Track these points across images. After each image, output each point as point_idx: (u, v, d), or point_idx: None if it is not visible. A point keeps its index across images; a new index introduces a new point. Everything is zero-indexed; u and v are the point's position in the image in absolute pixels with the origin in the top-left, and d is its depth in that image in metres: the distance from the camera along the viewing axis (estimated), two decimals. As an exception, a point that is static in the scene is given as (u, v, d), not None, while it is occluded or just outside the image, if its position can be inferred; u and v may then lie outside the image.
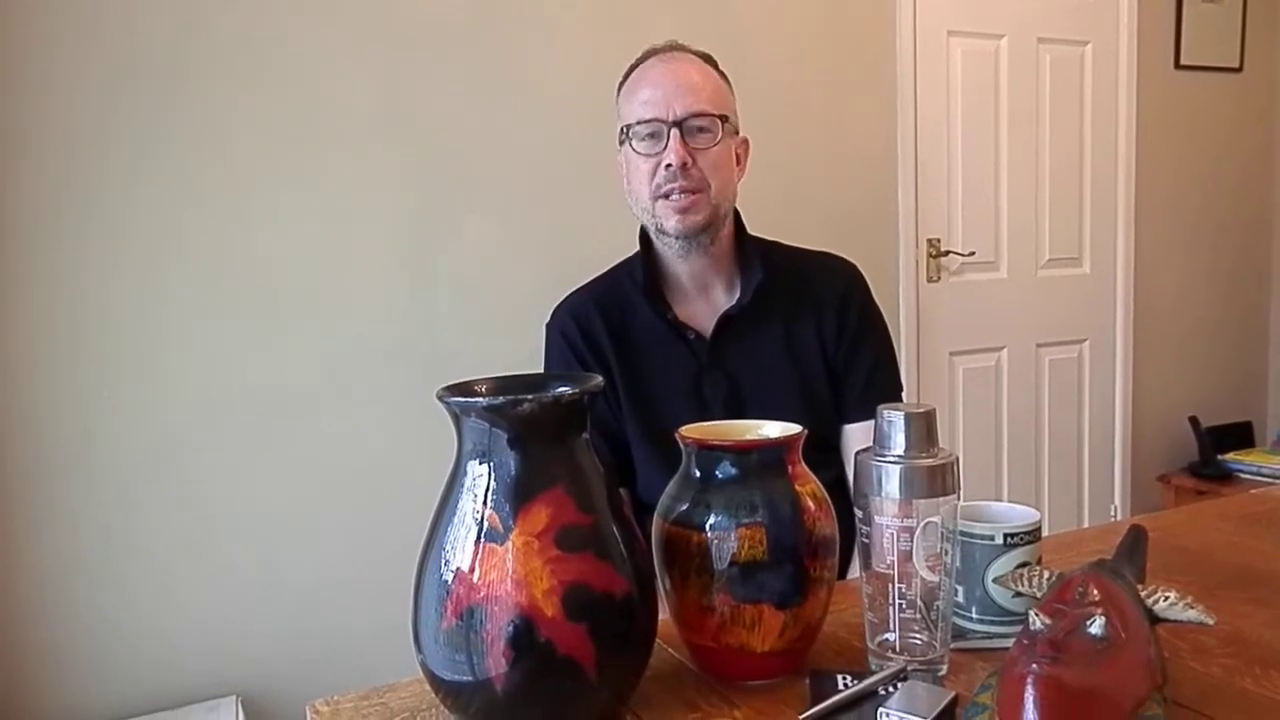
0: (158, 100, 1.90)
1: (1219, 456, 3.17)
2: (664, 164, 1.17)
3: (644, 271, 1.25)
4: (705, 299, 1.28)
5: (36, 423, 1.85)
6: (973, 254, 2.88)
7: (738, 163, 1.25)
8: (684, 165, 1.16)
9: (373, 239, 2.11)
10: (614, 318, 1.27)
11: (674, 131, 1.16)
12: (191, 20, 1.92)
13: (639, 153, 1.19)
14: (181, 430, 1.95)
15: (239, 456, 2.00)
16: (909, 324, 2.78)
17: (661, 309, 1.25)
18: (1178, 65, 3.19)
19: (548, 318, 1.32)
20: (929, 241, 2.82)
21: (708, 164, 1.18)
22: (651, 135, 1.18)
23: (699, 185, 1.18)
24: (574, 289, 1.33)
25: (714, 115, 1.18)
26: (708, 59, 1.25)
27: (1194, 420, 3.21)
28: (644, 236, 1.28)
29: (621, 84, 1.25)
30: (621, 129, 1.22)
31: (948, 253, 2.86)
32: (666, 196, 1.18)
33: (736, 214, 1.28)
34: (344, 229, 2.08)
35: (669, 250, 1.23)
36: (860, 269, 1.34)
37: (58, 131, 1.83)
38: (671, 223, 1.19)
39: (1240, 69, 3.32)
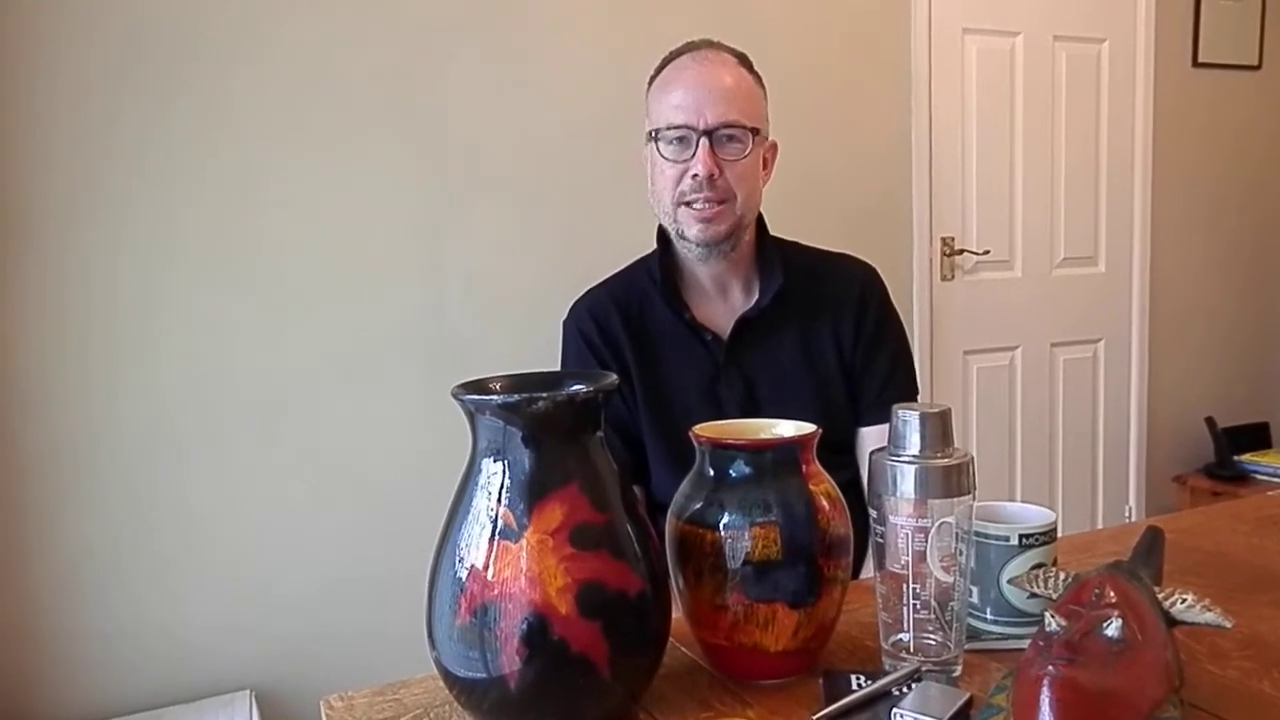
0: (162, 91, 1.90)
1: (1235, 457, 3.14)
2: (691, 173, 1.15)
3: (662, 271, 1.25)
4: (723, 300, 1.27)
5: (48, 419, 1.86)
6: (987, 253, 2.87)
7: (765, 167, 1.24)
8: (711, 176, 1.15)
9: (384, 232, 2.11)
10: (632, 316, 1.27)
11: (704, 141, 1.14)
12: (197, 8, 1.92)
13: (666, 157, 1.17)
14: (193, 426, 1.96)
15: (251, 453, 2.01)
16: (923, 323, 2.77)
17: (679, 309, 1.25)
18: (1195, 63, 3.16)
19: (565, 314, 1.32)
20: (943, 240, 2.81)
21: (735, 175, 1.16)
22: (680, 140, 1.16)
23: (725, 196, 1.16)
24: (591, 286, 1.33)
25: (746, 126, 1.16)
26: (744, 60, 1.22)
27: (1210, 421, 3.18)
28: (662, 235, 1.27)
29: (653, 78, 1.23)
30: (650, 131, 1.20)
31: (962, 251, 2.84)
32: (690, 204, 1.17)
33: (759, 215, 1.28)
34: (354, 222, 2.08)
35: (689, 254, 1.22)
36: (878, 271, 1.33)
37: (63, 121, 1.84)
38: (693, 231, 1.18)
39: (1259, 67, 3.29)
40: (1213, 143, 3.24)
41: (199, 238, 1.96)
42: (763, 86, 1.23)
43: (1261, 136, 3.34)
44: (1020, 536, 0.82)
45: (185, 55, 1.92)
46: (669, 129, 1.17)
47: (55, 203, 1.85)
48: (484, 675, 0.65)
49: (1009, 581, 0.81)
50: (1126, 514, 3.18)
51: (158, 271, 1.93)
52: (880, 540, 0.75)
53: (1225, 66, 3.21)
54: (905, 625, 0.75)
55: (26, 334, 1.84)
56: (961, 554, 0.74)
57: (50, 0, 1.82)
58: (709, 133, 1.15)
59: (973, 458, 0.75)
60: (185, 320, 1.95)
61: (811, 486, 0.75)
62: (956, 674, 0.75)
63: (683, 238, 1.20)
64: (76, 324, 1.87)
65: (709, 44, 1.22)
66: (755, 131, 1.18)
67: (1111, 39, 3.02)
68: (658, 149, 1.18)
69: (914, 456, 0.73)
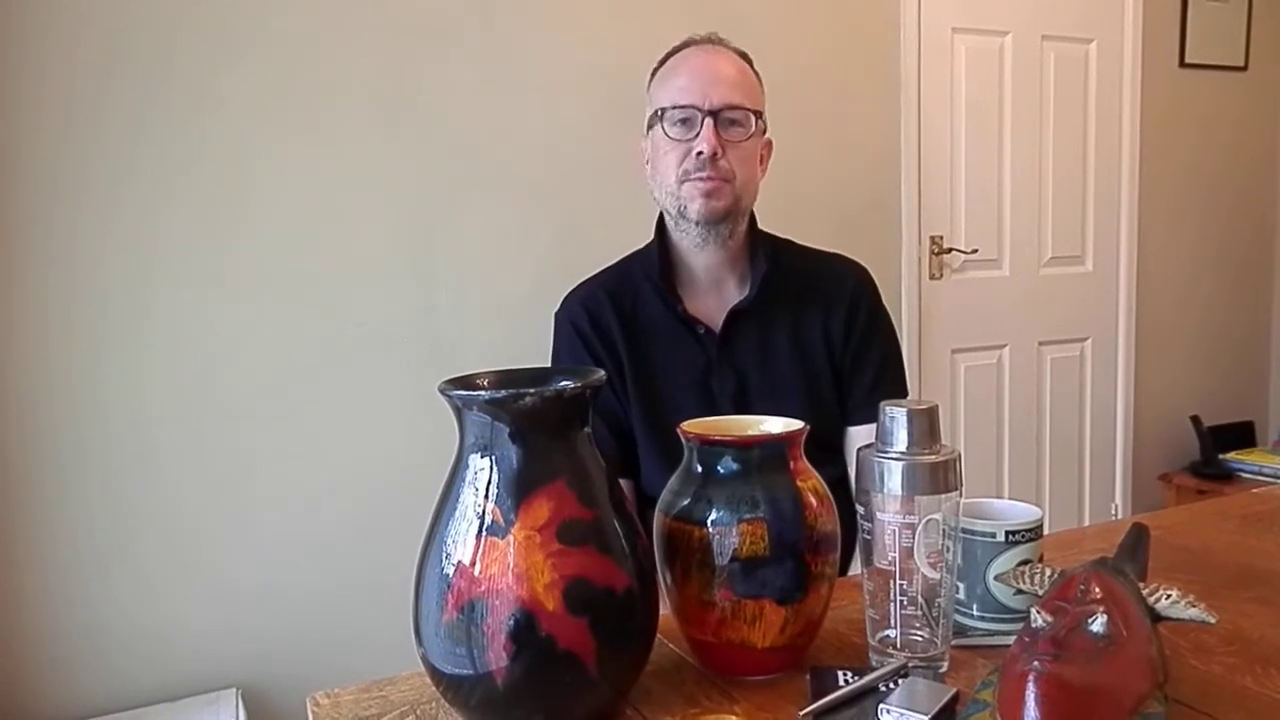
0: (149, 89, 1.89)
1: (1220, 456, 3.17)
2: (695, 151, 1.17)
3: (659, 262, 1.25)
4: (716, 294, 1.27)
5: (33, 418, 1.85)
6: (975, 251, 2.88)
7: (760, 162, 1.26)
8: (714, 155, 1.16)
9: (373, 228, 2.11)
10: (625, 308, 1.27)
11: (708, 120, 1.17)
12: (184, 5, 1.91)
13: (670, 137, 1.19)
14: (179, 425, 1.95)
15: (237, 451, 2.00)
16: (911, 321, 2.78)
17: (672, 301, 1.25)
18: (1182, 63, 3.18)
19: (557, 307, 1.32)
20: (932, 239, 2.82)
21: (737, 157, 1.19)
22: (684, 121, 1.18)
23: (726, 175, 1.18)
24: (584, 279, 1.33)
25: (749, 109, 1.19)
26: (745, 56, 1.26)
27: (1195, 419, 3.20)
28: (660, 226, 1.27)
29: (657, 69, 1.26)
30: (654, 112, 1.22)
31: (950, 250, 2.85)
32: (693, 179, 1.18)
33: (751, 213, 1.28)
34: (343, 218, 2.07)
35: (686, 239, 1.23)
36: (870, 271, 1.34)
37: (48, 122, 1.83)
38: (695, 205, 1.19)
39: (1245, 68, 3.31)
40: (1199, 143, 3.26)
41: (186, 236, 1.94)
42: (762, 85, 1.26)
43: (1248, 137, 3.36)
44: (1007, 533, 0.82)
45: (172, 53, 1.91)
46: (674, 109, 1.19)
47: (41, 203, 1.83)
48: (470, 672, 0.65)
49: (995, 578, 0.82)
50: (1113, 511, 3.20)
51: (144, 270, 1.91)
52: (867, 537, 0.75)
53: (1212, 67, 3.23)
54: (892, 621, 0.75)
55: (10, 334, 1.83)
56: (948, 550, 0.74)
57: (34, 4, 1.80)
58: (714, 113, 1.17)
59: (959, 454, 0.75)
60: (172, 320, 1.94)
61: (799, 483, 0.75)
62: (943, 670, 0.75)
63: (684, 216, 1.21)
64: (61, 323, 1.86)
65: (713, 38, 1.26)
66: (758, 114, 1.21)
67: (1099, 39, 3.03)
68: (663, 129, 1.20)
69: (901, 453, 0.73)
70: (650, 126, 1.23)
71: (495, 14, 2.19)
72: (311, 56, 2.02)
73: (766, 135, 1.26)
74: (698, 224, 1.20)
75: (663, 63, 1.26)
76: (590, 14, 2.28)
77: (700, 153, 1.16)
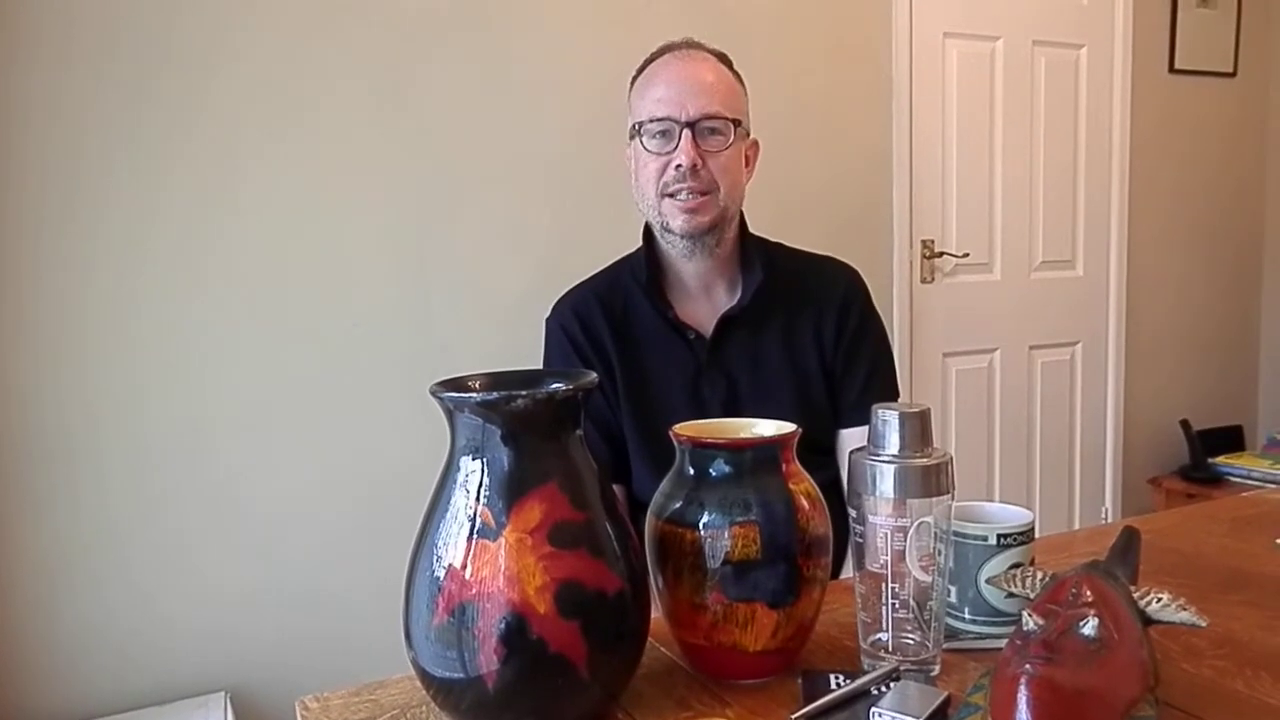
0: (139, 90, 1.88)
1: (1210, 460, 3.18)
2: (674, 164, 1.16)
3: (647, 269, 1.25)
4: (707, 299, 1.27)
5: (22, 419, 1.83)
6: (966, 255, 2.88)
7: (746, 164, 1.25)
8: (694, 167, 1.16)
9: (366, 231, 2.10)
10: (615, 313, 1.27)
11: (686, 132, 1.16)
12: (175, 6, 1.90)
13: (649, 150, 1.19)
14: (170, 428, 1.94)
15: (228, 453, 1.99)
16: (902, 325, 2.78)
17: (662, 307, 1.25)
18: (1172, 69, 3.20)
19: (548, 312, 1.32)
20: (923, 243, 2.82)
21: (718, 166, 1.18)
22: (663, 134, 1.18)
23: (708, 187, 1.18)
24: (575, 284, 1.33)
25: (727, 118, 1.18)
26: (723, 58, 1.24)
27: (1185, 423, 3.22)
28: (648, 233, 1.27)
29: (635, 78, 1.25)
30: (633, 125, 1.22)
31: (941, 254, 2.86)
32: (674, 195, 1.18)
33: (740, 215, 1.28)
34: (336, 220, 2.07)
35: (673, 249, 1.23)
36: (861, 274, 1.34)
37: (38, 124, 1.81)
38: (678, 222, 1.18)
39: (1234, 74, 3.33)
40: (1189, 148, 3.28)
41: (178, 236, 1.93)
42: (743, 85, 1.25)
43: (1236, 143, 3.38)
44: (998, 536, 0.82)
45: (163, 54, 1.90)
46: (652, 122, 1.18)
47: (30, 202, 1.82)
48: (461, 675, 0.65)
49: (987, 581, 0.82)
50: (1103, 515, 3.21)
51: (135, 273, 1.90)
52: (859, 540, 0.75)
53: (1201, 73, 3.25)
54: (884, 625, 0.75)
55: (3, 339, 1.81)
56: (940, 553, 0.74)
57: (25, 3, 1.79)
58: (691, 124, 1.16)
59: (951, 458, 0.75)
60: (163, 321, 1.93)
61: (791, 486, 0.75)
62: (935, 673, 0.75)
63: (668, 230, 1.20)
64: (51, 324, 1.85)
65: (689, 43, 1.24)
66: (737, 123, 1.19)
67: (1089, 45, 3.04)
68: (641, 143, 1.20)
69: (893, 456, 0.73)
70: (631, 138, 1.23)
71: (491, 14, 2.18)
72: (306, 55, 2.02)
73: (751, 137, 1.26)
74: (683, 238, 1.20)
75: (640, 71, 1.25)
76: (587, 14, 2.28)
77: (679, 165, 1.16)
